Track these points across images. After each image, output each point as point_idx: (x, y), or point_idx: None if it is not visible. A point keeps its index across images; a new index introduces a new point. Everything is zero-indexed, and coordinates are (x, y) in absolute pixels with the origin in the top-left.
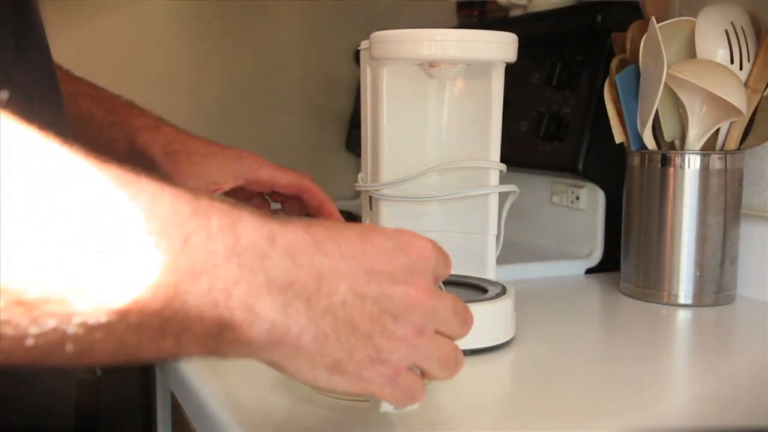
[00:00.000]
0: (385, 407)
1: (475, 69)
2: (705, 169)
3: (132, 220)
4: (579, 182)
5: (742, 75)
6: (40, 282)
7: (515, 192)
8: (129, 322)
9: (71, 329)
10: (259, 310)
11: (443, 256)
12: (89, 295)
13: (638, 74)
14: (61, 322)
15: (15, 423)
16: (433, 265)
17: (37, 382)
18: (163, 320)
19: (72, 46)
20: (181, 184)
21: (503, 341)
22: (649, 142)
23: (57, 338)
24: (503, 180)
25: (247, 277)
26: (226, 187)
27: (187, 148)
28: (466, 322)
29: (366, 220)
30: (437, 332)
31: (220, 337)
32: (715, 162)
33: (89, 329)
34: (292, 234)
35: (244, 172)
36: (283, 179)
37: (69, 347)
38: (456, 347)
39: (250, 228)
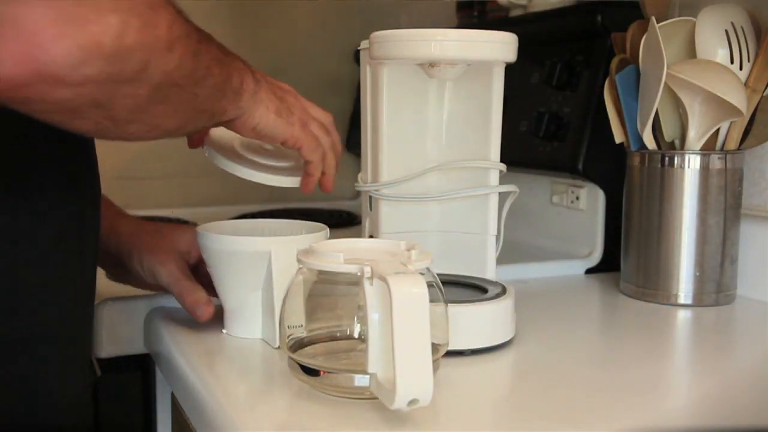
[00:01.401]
0: (396, 404)
1: (475, 69)
2: (705, 169)
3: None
4: (579, 182)
5: (742, 75)
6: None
7: (515, 192)
8: (218, 88)
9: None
10: (245, 69)
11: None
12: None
13: (638, 74)
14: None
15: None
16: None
17: (52, 385)
18: (227, 81)
19: None
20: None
21: (503, 341)
22: (649, 142)
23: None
24: (503, 180)
25: (234, 55)
26: (195, 253)
27: (154, 227)
28: (326, 113)
29: (366, 221)
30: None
31: (240, 89)
32: (715, 162)
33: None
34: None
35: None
36: None
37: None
38: (329, 125)
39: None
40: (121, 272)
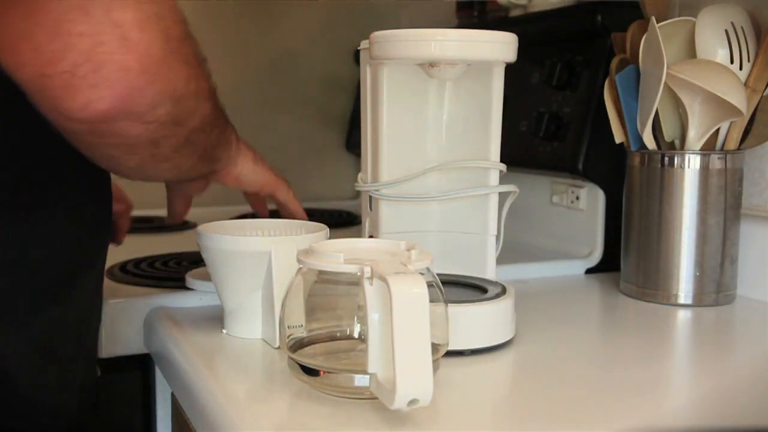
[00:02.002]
0: (396, 404)
1: (475, 69)
2: (705, 169)
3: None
4: (579, 182)
5: (742, 75)
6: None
7: (515, 192)
8: (220, 138)
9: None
10: (234, 130)
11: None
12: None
13: (638, 74)
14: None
15: (17, 424)
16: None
17: (39, 388)
18: (224, 131)
19: None
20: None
21: (503, 341)
22: (649, 142)
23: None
24: (503, 180)
25: (230, 121)
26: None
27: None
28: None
29: (366, 220)
30: None
31: (230, 139)
32: (715, 162)
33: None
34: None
35: None
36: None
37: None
38: None
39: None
40: None
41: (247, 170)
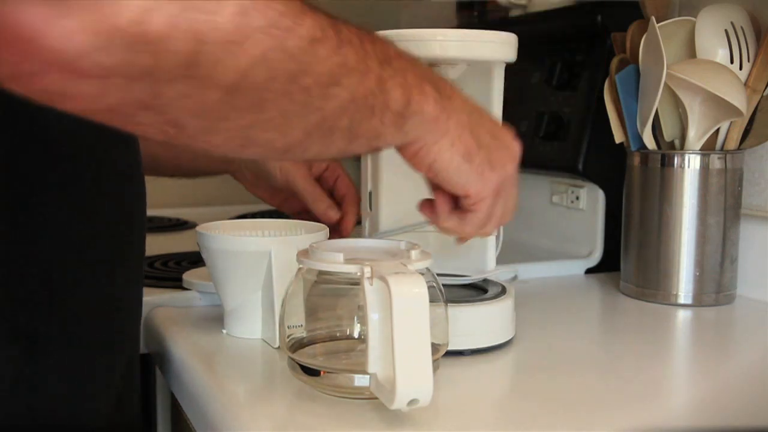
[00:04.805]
0: (396, 404)
1: (475, 69)
2: (705, 169)
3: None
4: (579, 182)
5: (742, 75)
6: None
7: None
8: (359, 103)
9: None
10: (426, 90)
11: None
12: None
13: (638, 74)
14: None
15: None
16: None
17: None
18: (378, 96)
19: None
20: None
21: (503, 341)
22: (649, 142)
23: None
24: None
25: (415, 70)
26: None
27: None
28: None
29: (366, 220)
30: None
31: (406, 111)
32: (715, 162)
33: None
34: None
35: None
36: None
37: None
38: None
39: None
40: (257, 179)
41: (446, 161)
